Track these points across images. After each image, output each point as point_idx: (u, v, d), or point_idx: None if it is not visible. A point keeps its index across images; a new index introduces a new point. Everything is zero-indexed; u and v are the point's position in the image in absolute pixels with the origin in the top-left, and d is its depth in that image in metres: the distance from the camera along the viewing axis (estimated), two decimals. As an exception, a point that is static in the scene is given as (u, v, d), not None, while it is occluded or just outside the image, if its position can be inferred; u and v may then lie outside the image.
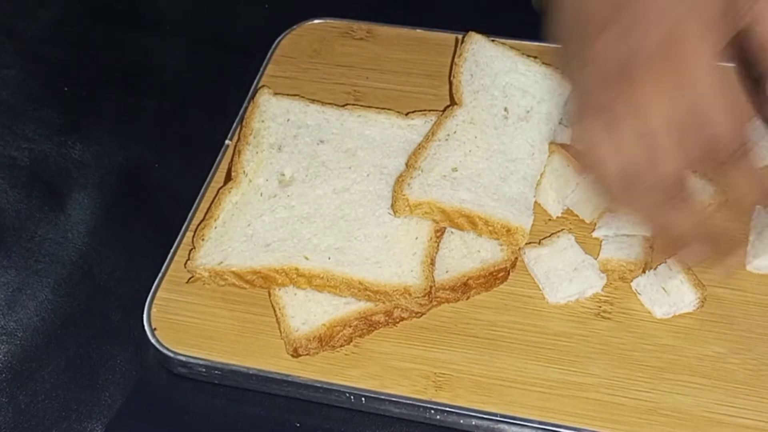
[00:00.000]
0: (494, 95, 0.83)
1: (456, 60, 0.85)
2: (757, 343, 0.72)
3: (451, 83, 0.84)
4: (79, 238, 0.83)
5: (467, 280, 0.74)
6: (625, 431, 0.68)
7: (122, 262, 0.81)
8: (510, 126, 0.81)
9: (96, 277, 0.81)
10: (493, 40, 0.87)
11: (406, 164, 0.78)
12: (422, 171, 0.77)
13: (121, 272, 0.81)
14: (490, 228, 0.75)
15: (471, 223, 0.75)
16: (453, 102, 0.83)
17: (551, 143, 0.80)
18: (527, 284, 0.76)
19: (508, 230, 0.74)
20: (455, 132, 0.80)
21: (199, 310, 0.75)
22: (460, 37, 0.87)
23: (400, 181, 0.76)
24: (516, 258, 0.76)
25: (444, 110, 0.82)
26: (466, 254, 0.76)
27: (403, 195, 0.75)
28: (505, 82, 0.84)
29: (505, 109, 0.82)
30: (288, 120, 0.83)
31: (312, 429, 0.71)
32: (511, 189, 0.77)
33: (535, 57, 0.86)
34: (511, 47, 0.86)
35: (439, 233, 0.75)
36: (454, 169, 0.78)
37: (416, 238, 0.75)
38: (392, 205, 0.76)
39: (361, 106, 0.85)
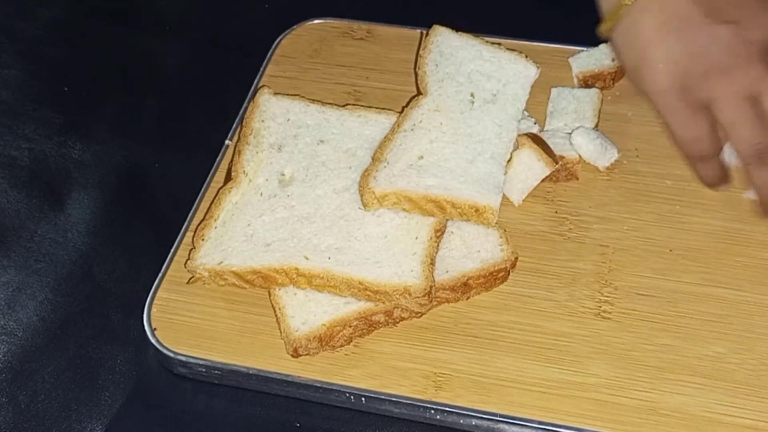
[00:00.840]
0: (459, 82, 0.83)
1: (421, 52, 0.85)
2: (757, 343, 0.72)
3: (416, 75, 0.84)
4: (79, 238, 0.83)
5: (467, 280, 0.74)
6: (625, 431, 0.68)
7: (122, 262, 0.81)
8: (476, 109, 0.81)
9: (96, 277, 0.81)
10: (458, 32, 0.86)
11: (372, 158, 0.78)
12: (388, 163, 0.77)
13: (121, 272, 0.81)
14: (458, 210, 0.74)
15: (439, 207, 0.75)
16: (419, 93, 0.83)
17: (522, 135, 0.79)
18: (527, 284, 0.76)
19: (476, 210, 0.74)
20: (421, 121, 0.80)
21: (199, 310, 0.75)
22: (425, 32, 0.87)
23: (366, 175, 0.76)
24: (516, 258, 0.76)
25: (409, 101, 0.82)
26: (466, 254, 0.76)
27: (369, 188, 0.75)
28: (470, 69, 0.84)
29: (471, 95, 0.82)
30: (288, 120, 0.83)
31: (312, 429, 0.71)
32: (478, 170, 0.76)
33: (499, 44, 0.86)
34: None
35: (439, 233, 0.75)
36: (420, 157, 0.77)
37: (416, 238, 0.75)
38: (361, 200, 0.76)
39: (361, 106, 0.85)
